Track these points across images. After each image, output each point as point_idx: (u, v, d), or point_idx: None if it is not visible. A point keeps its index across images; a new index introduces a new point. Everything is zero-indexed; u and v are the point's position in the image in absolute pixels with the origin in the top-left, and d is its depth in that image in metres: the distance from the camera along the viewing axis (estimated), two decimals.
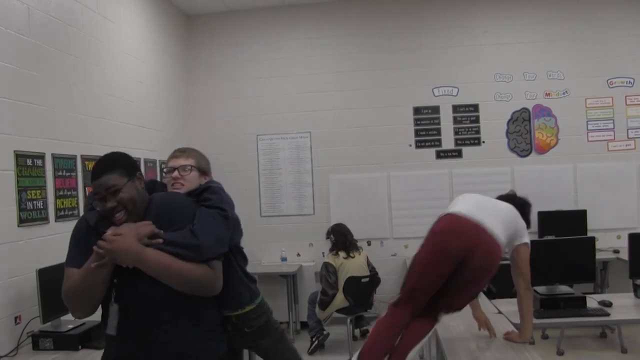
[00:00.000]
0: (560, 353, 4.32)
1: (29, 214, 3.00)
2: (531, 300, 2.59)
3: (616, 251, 4.85)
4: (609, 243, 5.07)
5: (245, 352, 3.30)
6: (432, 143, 5.54)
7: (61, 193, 3.30)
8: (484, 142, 5.49)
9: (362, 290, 4.56)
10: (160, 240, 1.63)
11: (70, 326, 2.83)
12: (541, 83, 5.43)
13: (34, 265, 2.81)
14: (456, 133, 5.51)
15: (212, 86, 5.78)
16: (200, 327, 1.73)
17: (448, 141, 5.52)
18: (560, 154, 5.41)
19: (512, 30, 5.46)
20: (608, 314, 2.99)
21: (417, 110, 5.56)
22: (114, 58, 4.14)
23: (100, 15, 3.94)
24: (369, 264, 4.78)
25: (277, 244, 5.63)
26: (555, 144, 5.44)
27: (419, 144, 5.54)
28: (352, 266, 4.58)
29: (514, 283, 2.57)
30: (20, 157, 2.95)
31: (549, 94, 5.44)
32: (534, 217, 5.13)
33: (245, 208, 5.66)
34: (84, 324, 2.85)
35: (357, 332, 5.00)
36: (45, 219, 3.13)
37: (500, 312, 3.04)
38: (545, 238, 4.46)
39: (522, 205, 2.67)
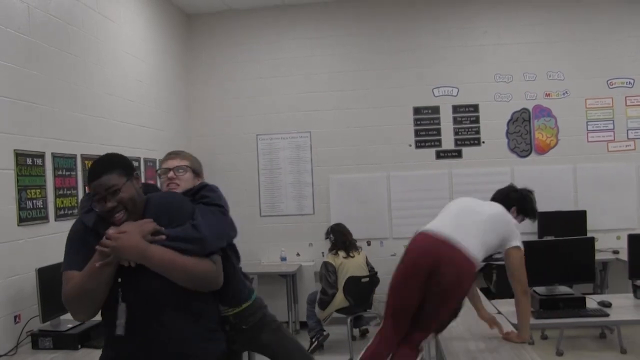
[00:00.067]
0: (559, 353, 4.32)
1: (29, 213, 3.00)
2: (528, 304, 2.55)
3: (616, 252, 4.85)
4: (609, 244, 5.06)
5: (245, 353, 3.32)
6: (432, 143, 5.54)
7: (61, 192, 3.30)
8: (483, 142, 5.49)
9: (362, 290, 4.56)
10: (164, 237, 1.64)
11: (70, 325, 2.83)
12: (541, 83, 5.43)
13: (34, 265, 2.81)
14: (456, 133, 5.52)
15: (212, 86, 5.78)
16: (201, 325, 1.74)
17: (448, 141, 5.52)
18: (560, 154, 5.41)
19: (512, 30, 5.47)
20: (607, 315, 2.99)
21: (417, 111, 5.56)
22: (114, 57, 4.14)
23: (100, 15, 3.94)
24: (368, 263, 4.78)
25: (277, 243, 5.63)
26: (555, 145, 5.44)
27: (419, 144, 5.55)
28: (352, 266, 4.58)
29: (512, 286, 2.55)
30: (20, 156, 2.95)
31: (549, 94, 5.45)
32: None
33: (245, 208, 5.68)
34: (83, 323, 2.85)
35: (356, 331, 5.00)
36: (45, 218, 3.13)
37: (499, 313, 3.04)
38: (545, 238, 4.47)
39: (519, 200, 2.66)
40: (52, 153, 3.23)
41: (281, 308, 5.26)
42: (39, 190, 3.09)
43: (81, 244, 1.67)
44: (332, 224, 4.96)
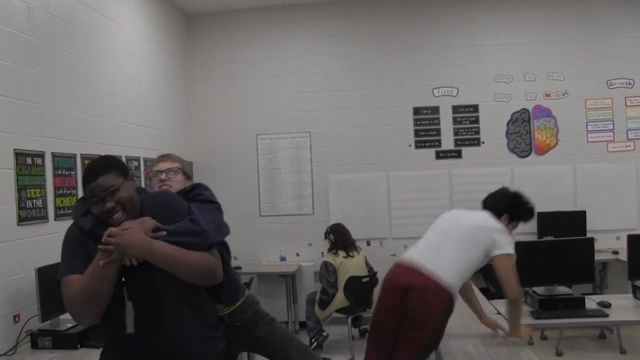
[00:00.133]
0: (559, 354, 4.32)
1: (29, 213, 2.99)
2: (517, 309, 2.48)
3: (615, 252, 4.85)
4: (608, 244, 5.07)
5: (245, 354, 3.32)
6: (432, 143, 5.54)
7: (61, 192, 3.29)
8: (483, 142, 5.49)
9: (362, 290, 4.57)
10: (165, 233, 1.65)
11: (69, 325, 2.83)
12: (541, 84, 5.43)
13: (33, 264, 2.81)
14: (456, 133, 5.52)
15: (212, 86, 5.78)
16: (202, 322, 1.75)
17: (448, 141, 5.52)
18: (559, 154, 5.41)
19: (512, 31, 5.47)
20: (607, 315, 2.99)
21: (416, 111, 5.56)
22: (114, 57, 4.14)
23: (100, 14, 3.94)
24: (367, 263, 4.78)
25: (277, 243, 5.63)
26: (555, 145, 5.44)
27: (419, 144, 5.55)
28: (352, 266, 4.58)
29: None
30: (20, 156, 2.95)
31: (548, 94, 5.45)
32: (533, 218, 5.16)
33: (245, 207, 5.68)
34: None
35: (355, 331, 4.99)
36: (44, 218, 3.13)
37: (499, 313, 3.04)
38: (545, 239, 4.46)
39: (511, 207, 2.59)
40: (52, 152, 3.23)
41: (280, 308, 5.27)
42: (38, 190, 3.09)
43: (79, 247, 1.66)
44: (332, 224, 4.96)
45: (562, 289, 3.22)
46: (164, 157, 2.27)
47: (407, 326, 2.31)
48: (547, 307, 3.05)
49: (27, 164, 3.00)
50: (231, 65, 5.74)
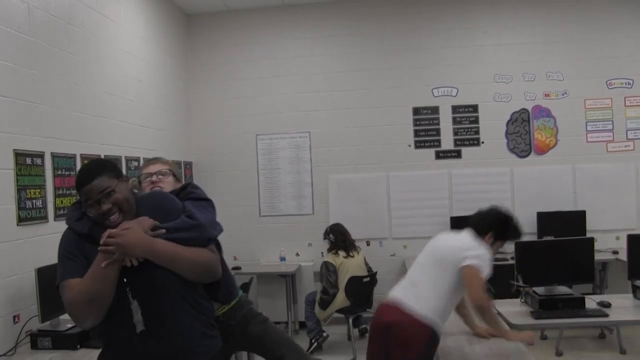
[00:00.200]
0: (559, 354, 4.32)
1: (28, 213, 2.99)
2: (488, 317, 2.43)
3: (615, 252, 4.85)
4: (608, 244, 5.08)
5: (245, 354, 3.33)
6: (432, 143, 5.54)
7: (60, 192, 3.29)
8: (483, 142, 5.50)
9: (362, 289, 4.57)
10: (164, 231, 1.65)
11: (69, 325, 2.82)
12: (540, 84, 5.43)
13: (33, 264, 2.81)
14: (455, 133, 5.52)
15: (212, 86, 5.78)
16: (201, 320, 1.75)
17: (447, 141, 5.52)
18: (559, 154, 5.41)
19: (512, 31, 5.47)
20: (607, 315, 3.00)
21: (416, 111, 5.56)
22: (114, 57, 4.13)
23: (100, 14, 3.94)
24: (366, 263, 4.79)
25: (276, 243, 5.63)
26: (555, 145, 5.44)
27: (418, 144, 5.55)
28: (352, 265, 4.59)
29: None
30: (20, 156, 2.94)
31: (548, 94, 5.45)
32: (532, 218, 5.20)
33: (244, 207, 5.68)
34: None
35: (355, 331, 4.99)
36: (44, 218, 3.13)
37: (498, 313, 3.04)
38: (545, 239, 4.47)
39: (495, 225, 2.54)
40: (51, 153, 3.23)
41: (280, 308, 5.27)
42: (38, 190, 3.09)
43: (77, 251, 1.66)
44: (331, 224, 4.95)
45: (562, 289, 3.22)
46: (153, 160, 2.31)
47: (393, 354, 2.39)
48: (547, 307, 3.05)
49: (26, 164, 2.99)
50: (231, 65, 5.74)
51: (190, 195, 1.84)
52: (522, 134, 5.47)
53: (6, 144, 2.86)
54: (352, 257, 4.64)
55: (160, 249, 1.63)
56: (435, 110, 5.53)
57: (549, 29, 5.43)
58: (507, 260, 4.09)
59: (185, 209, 1.75)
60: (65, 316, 2.84)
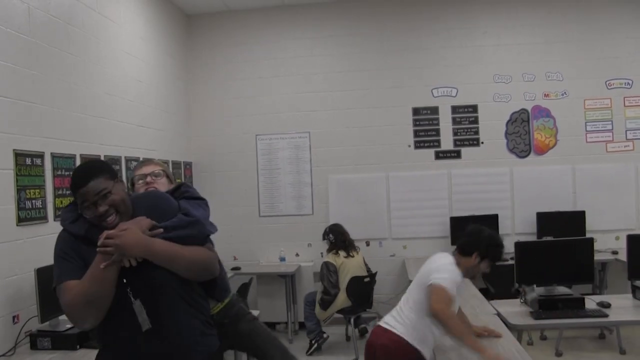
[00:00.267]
0: (558, 354, 4.32)
1: (28, 213, 2.99)
2: (455, 326, 2.38)
3: (615, 252, 4.85)
4: (608, 244, 5.08)
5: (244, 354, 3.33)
6: (431, 143, 5.54)
7: (60, 192, 3.29)
8: (482, 142, 5.50)
9: (363, 289, 4.58)
10: (161, 230, 1.65)
11: (68, 326, 2.82)
12: (540, 84, 5.44)
13: (33, 265, 2.81)
14: (455, 134, 5.52)
15: (212, 86, 5.78)
16: (199, 318, 1.76)
17: (447, 142, 5.53)
18: (559, 154, 5.42)
19: (512, 31, 5.47)
20: (606, 315, 3.00)
21: (416, 111, 5.56)
22: (114, 57, 4.13)
23: (100, 15, 3.94)
24: (365, 263, 4.79)
25: (276, 244, 5.64)
26: (554, 145, 5.45)
27: (418, 145, 5.55)
28: (353, 266, 4.59)
29: None
30: (20, 156, 2.95)
31: (547, 95, 5.45)
32: (532, 218, 5.20)
33: (244, 207, 5.68)
34: None
35: (355, 331, 4.99)
36: (44, 218, 3.13)
37: (498, 313, 3.04)
38: (544, 239, 4.47)
39: (479, 244, 2.55)
40: (51, 153, 3.23)
41: (280, 308, 5.27)
42: (38, 190, 3.09)
43: (73, 253, 1.65)
44: (330, 225, 4.94)
45: (562, 289, 3.22)
46: (146, 162, 2.33)
47: None
48: (547, 307, 3.05)
49: (26, 165, 3.00)
50: (231, 66, 5.74)
51: (184, 195, 1.85)
52: (522, 134, 5.47)
53: (6, 144, 2.86)
54: (353, 257, 4.65)
55: (158, 248, 1.63)
56: (435, 110, 5.54)
57: (548, 29, 5.44)
58: (507, 260, 4.09)
59: (181, 207, 1.76)
60: (65, 317, 2.84)
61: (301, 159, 5.68)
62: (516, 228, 5.27)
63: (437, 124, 5.53)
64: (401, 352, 2.46)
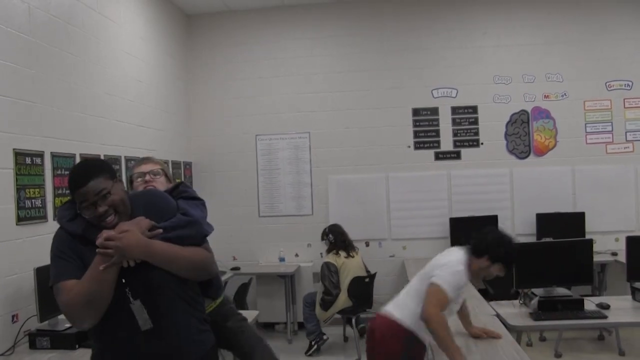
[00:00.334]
0: (558, 355, 4.32)
1: (28, 213, 2.99)
2: (442, 333, 2.33)
3: (614, 254, 4.86)
4: (607, 245, 5.08)
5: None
6: (431, 144, 5.54)
7: (60, 192, 3.29)
8: (482, 143, 5.50)
9: (364, 290, 4.58)
10: (161, 231, 1.65)
11: (67, 325, 2.82)
12: (540, 85, 5.44)
13: (32, 264, 2.80)
14: (455, 135, 5.52)
15: (212, 86, 5.78)
16: (196, 316, 1.77)
17: (447, 143, 5.53)
18: (558, 156, 5.42)
19: (512, 32, 5.47)
20: (606, 317, 3.00)
21: (416, 112, 5.56)
22: (114, 57, 4.14)
23: (100, 15, 3.94)
24: (364, 264, 4.79)
25: (275, 244, 5.63)
26: (554, 146, 5.45)
27: (418, 145, 5.55)
28: (353, 266, 4.60)
29: None
30: (20, 155, 2.95)
31: (547, 96, 5.45)
32: (531, 219, 5.21)
33: (244, 208, 5.68)
34: None
35: (355, 331, 4.99)
36: (43, 218, 3.13)
37: (497, 314, 3.04)
38: (544, 240, 4.47)
39: (491, 247, 2.49)
40: (51, 152, 3.23)
41: (279, 309, 5.27)
42: (37, 190, 3.09)
43: (70, 252, 1.64)
44: (329, 225, 4.94)
45: (561, 291, 3.22)
46: (145, 160, 2.32)
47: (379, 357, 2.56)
48: (546, 308, 3.05)
49: (26, 164, 3.00)
50: (231, 66, 5.75)
51: (182, 194, 1.85)
52: (522, 135, 5.47)
53: (6, 143, 2.86)
54: (353, 257, 4.66)
55: (158, 250, 1.63)
56: (434, 111, 5.54)
57: (548, 30, 5.44)
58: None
59: (179, 207, 1.76)
60: (64, 316, 2.84)
61: (301, 159, 5.68)
62: (516, 229, 5.27)
63: (437, 125, 5.54)
64: (396, 333, 2.50)
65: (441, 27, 5.53)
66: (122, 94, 4.24)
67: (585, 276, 3.37)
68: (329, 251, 4.72)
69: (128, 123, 4.31)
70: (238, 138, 5.73)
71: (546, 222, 5.08)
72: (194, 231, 1.72)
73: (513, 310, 3.12)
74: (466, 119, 5.52)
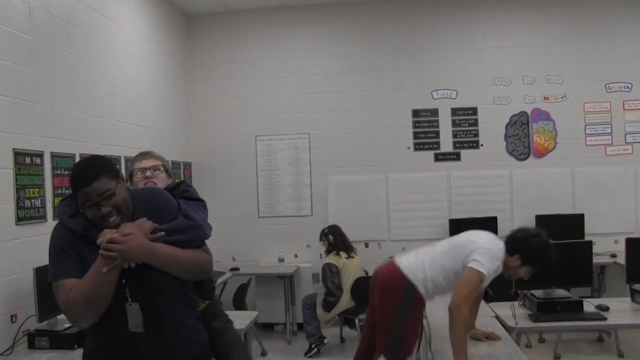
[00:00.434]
0: (557, 357, 4.32)
1: (27, 212, 2.99)
2: (454, 330, 2.30)
3: (613, 255, 4.86)
4: (607, 247, 5.08)
5: None
6: (431, 146, 5.54)
7: (59, 192, 3.29)
8: (482, 145, 5.50)
9: (366, 290, 4.57)
10: (163, 233, 1.64)
11: (67, 325, 2.82)
12: (540, 87, 5.44)
13: (31, 264, 2.80)
14: (455, 136, 5.52)
15: (212, 86, 5.78)
16: (193, 315, 1.78)
17: (446, 144, 5.53)
18: (558, 157, 5.42)
19: (512, 33, 5.48)
20: (605, 318, 2.99)
21: (415, 113, 5.56)
22: (114, 57, 4.14)
23: (100, 14, 3.94)
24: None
25: (275, 245, 5.63)
26: (554, 148, 5.45)
27: (418, 147, 5.55)
28: (354, 267, 4.61)
29: None
30: (19, 155, 2.94)
31: (547, 97, 5.46)
32: (531, 221, 5.21)
33: (244, 208, 5.68)
34: None
35: (354, 332, 4.99)
36: (43, 218, 3.13)
37: (496, 316, 3.04)
38: None
39: (525, 249, 2.45)
40: (51, 152, 3.23)
41: (278, 309, 5.26)
42: (37, 190, 3.09)
43: (70, 249, 1.63)
44: (328, 226, 4.93)
45: (560, 292, 3.22)
46: (146, 155, 2.26)
47: (377, 309, 2.66)
48: (546, 310, 3.05)
49: (26, 164, 2.99)
50: (231, 66, 5.75)
51: (184, 194, 1.84)
52: (521, 137, 5.47)
53: (6, 143, 2.86)
54: (353, 258, 4.67)
55: (160, 253, 1.63)
56: (434, 112, 5.54)
57: (548, 32, 5.45)
58: None
59: (181, 208, 1.75)
60: (63, 316, 2.82)
61: (301, 160, 5.68)
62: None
63: (437, 126, 5.54)
64: (395, 279, 2.56)
65: (441, 28, 5.54)
66: (122, 94, 4.24)
67: (584, 278, 3.37)
68: (328, 252, 4.72)
69: (128, 123, 4.31)
70: (238, 138, 5.73)
71: (545, 223, 5.06)
72: (195, 235, 1.72)
73: (511, 312, 3.12)
74: (466, 121, 5.52)
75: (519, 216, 5.35)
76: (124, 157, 4.15)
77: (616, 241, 5.07)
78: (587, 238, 4.64)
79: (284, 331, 5.23)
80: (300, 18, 5.68)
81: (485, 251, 2.40)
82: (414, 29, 5.58)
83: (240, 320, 3.14)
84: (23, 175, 2.96)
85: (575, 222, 5.06)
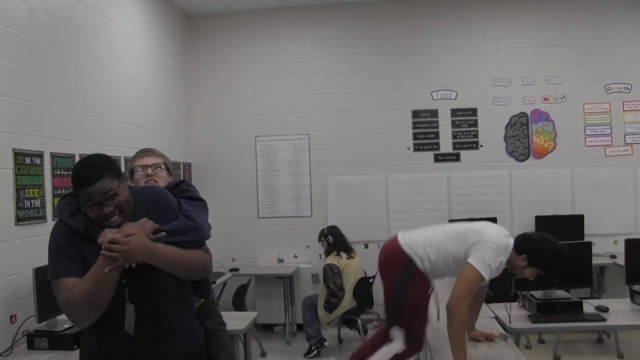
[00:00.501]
0: (556, 358, 4.32)
1: (27, 213, 2.99)
2: (458, 329, 2.27)
3: (613, 256, 4.86)
4: (606, 248, 5.08)
5: None
6: (431, 146, 5.55)
7: (59, 192, 3.29)
8: (482, 146, 5.50)
9: (367, 290, 4.59)
10: (164, 234, 1.64)
11: (66, 326, 2.82)
12: (539, 88, 5.45)
13: (31, 264, 2.80)
14: (454, 137, 5.53)
15: (212, 86, 5.78)
16: (191, 313, 1.79)
17: (446, 145, 5.53)
18: (557, 158, 5.42)
19: (511, 34, 5.48)
20: (604, 319, 3.00)
21: (415, 114, 5.56)
22: (114, 57, 4.13)
23: (100, 15, 3.94)
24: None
25: (274, 245, 5.63)
26: (553, 149, 5.45)
27: (417, 147, 5.55)
28: (354, 267, 4.62)
29: None
30: (19, 155, 2.94)
31: (547, 98, 5.46)
32: (530, 222, 5.21)
33: (243, 208, 5.68)
34: None
35: (351, 332, 4.98)
36: (42, 218, 3.13)
37: (496, 317, 3.04)
38: None
39: (533, 251, 2.42)
40: (50, 152, 3.23)
41: (278, 310, 5.26)
42: (37, 190, 3.09)
43: (70, 247, 1.63)
44: (328, 227, 4.93)
45: (560, 293, 3.22)
46: (147, 152, 2.23)
47: (382, 281, 2.75)
48: (545, 311, 3.05)
49: (25, 164, 2.99)
50: (231, 66, 5.75)
51: (185, 194, 1.84)
52: (521, 138, 5.48)
53: (6, 143, 2.86)
54: (353, 258, 4.67)
55: (162, 254, 1.63)
56: (434, 113, 5.54)
57: (548, 33, 5.45)
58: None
59: (182, 209, 1.75)
60: (62, 316, 2.83)
61: (300, 160, 5.68)
62: (515, 231, 5.24)
63: (437, 127, 5.54)
64: (394, 255, 2.62)
65: (441, 29, 5.54)
66: (122, 94, 4.24)
67: (584, 279, 3.37)
68: (328, 253, 4.71)
69: (128, 123, 4.31)
70: (238, 139, 5.73)
71: (545, 224, 5.07)
72: (195, 236, 1.73)
73: (512, 313, 3.12)
74: (466, 121, 5.52)
75: (518, 217, 5.36)
76: (124, 157, 4.14)
77: (616, 242, 5.08)
78: (586, 239, 4.64)
79: (284, 332, 5.23)
80: (300, 19, 5.68)
81: (490, 245, 2.37)
82: (414, 29, 5.58)
83: (240, 321, 3.14)
84: (23, 175, 2.96)
85: (574, 223, 5.06)
